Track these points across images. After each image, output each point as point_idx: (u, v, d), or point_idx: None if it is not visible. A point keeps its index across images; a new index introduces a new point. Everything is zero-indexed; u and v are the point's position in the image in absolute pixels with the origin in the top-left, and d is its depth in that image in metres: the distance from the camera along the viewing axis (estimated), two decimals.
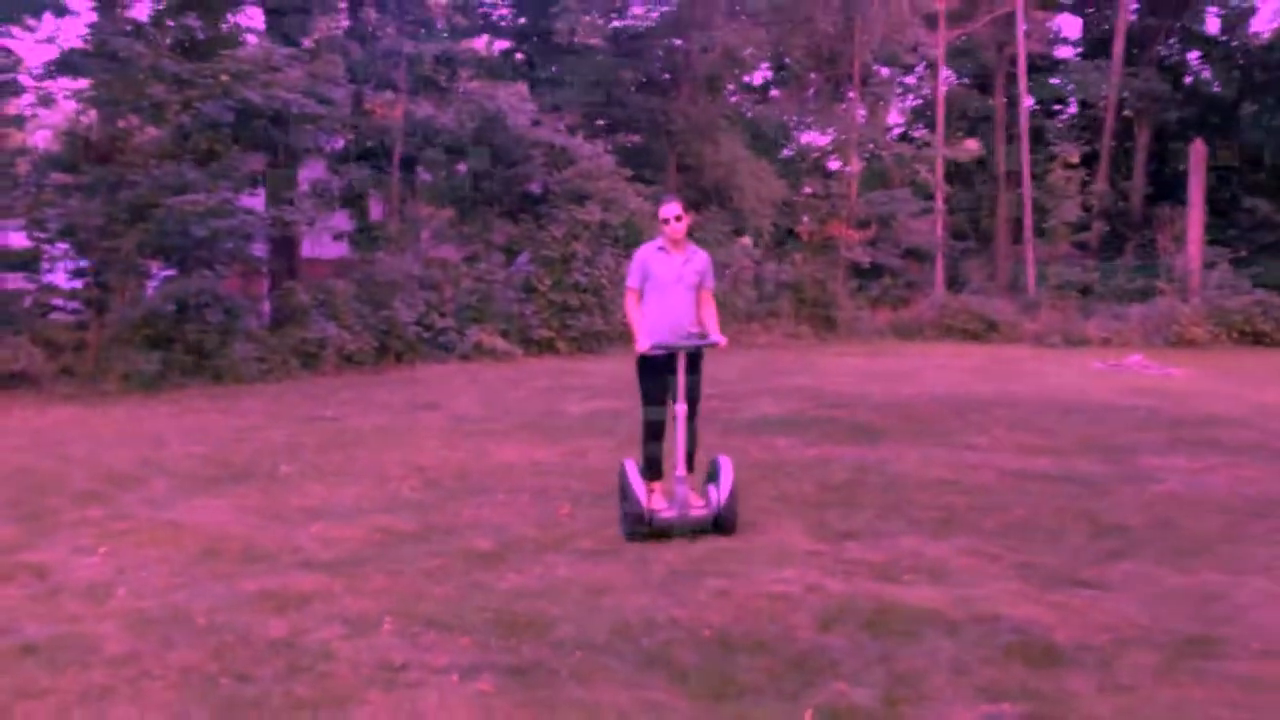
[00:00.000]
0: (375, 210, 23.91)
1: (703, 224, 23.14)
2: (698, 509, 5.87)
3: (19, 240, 16.62)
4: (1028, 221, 28.69)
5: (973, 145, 33.08)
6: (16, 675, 3.87)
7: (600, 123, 24.98)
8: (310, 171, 21.18)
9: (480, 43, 27.04)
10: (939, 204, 30.08)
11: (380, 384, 14.48)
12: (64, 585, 5.01)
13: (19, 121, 18.35)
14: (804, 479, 7.63)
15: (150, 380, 13.22)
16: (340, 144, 21.60)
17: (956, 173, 33.19)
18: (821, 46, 29.43)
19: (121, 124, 16.16)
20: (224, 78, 14.86)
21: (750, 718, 3.51)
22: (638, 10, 26.72)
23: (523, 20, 26.89)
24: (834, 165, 33.98)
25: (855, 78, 29.59)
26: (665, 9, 26.19)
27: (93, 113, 16.50)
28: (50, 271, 17.35)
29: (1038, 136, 30.35)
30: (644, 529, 5.75)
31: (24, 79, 17.77)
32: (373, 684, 3.78)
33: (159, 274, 15.80)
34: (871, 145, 31.67)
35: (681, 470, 5.83)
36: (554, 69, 26.23)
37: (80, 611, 4.61)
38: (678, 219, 6.12)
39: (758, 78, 35.02)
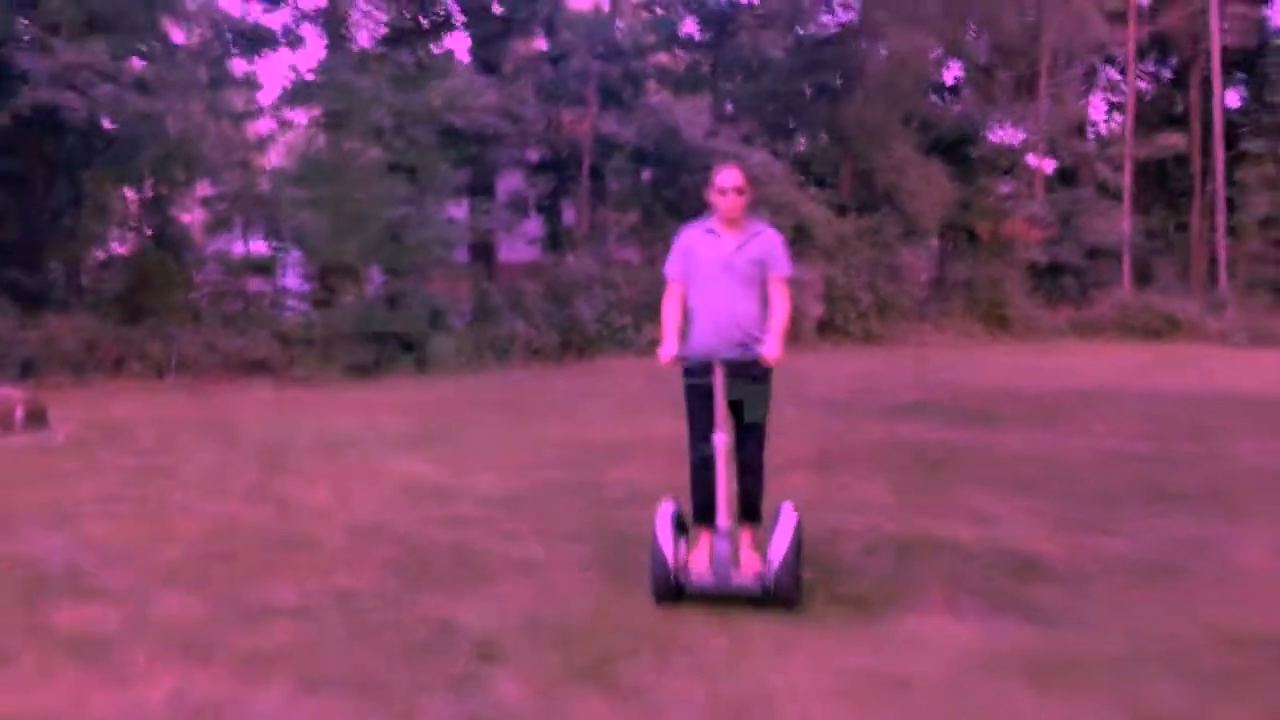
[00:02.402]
0: (568, 216, 25.88)
1: (875, 226, 23.88)
2: (743, 575, 4.49)
3: (259, 248, 19.22)
4: (1219, 219, 27.98)
5: (1173, 140, 32.23)
6: (267, 558, 5.46)
7: (778, 129, 26.07)
8: (507, 183, 23.24)
9: (668, 57, 28.58)
10: (1126, 202, 29.62)
11: (561, 374, 16.14)
12: (300, 509, 6.66)
13: (262, 145, 21.13)
14: (907, 453, 8.65)
15: (366, 368, 15.31)
16: (535, 156, 23.60)
17: (1149, 169, 32.44)
18: (1006, 46, 29.52)
19: (347, 145, 18.50)
20: (434, 104, 16.92)
21: None
22: (823, 18, 27.68)
23: (707, 35, 28.27)
24: (1027, 162, 33.85)
25: (1042, 75, 29.52)
26: (846, 19, 27.04)
27: (321, 136, 18.94)
28: (284, 275, 19.94)
29: (1233, 131, 29.45)
30: (670, 592, 4.51)
31: (263, 105, 20.50)
32: (516, 571, 5.18)
33: (375, 277, 18.02)
34: (1058, 143, 31.40)
35: (724, 521, 4.53)
36: (736, 79, 27.49)
37: (311, 524, 6.22)
38: (738, 192, 4.62)
39: (948, 77, 35.22)
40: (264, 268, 19.26)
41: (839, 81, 25.31)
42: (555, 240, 23.86)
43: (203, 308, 19.51)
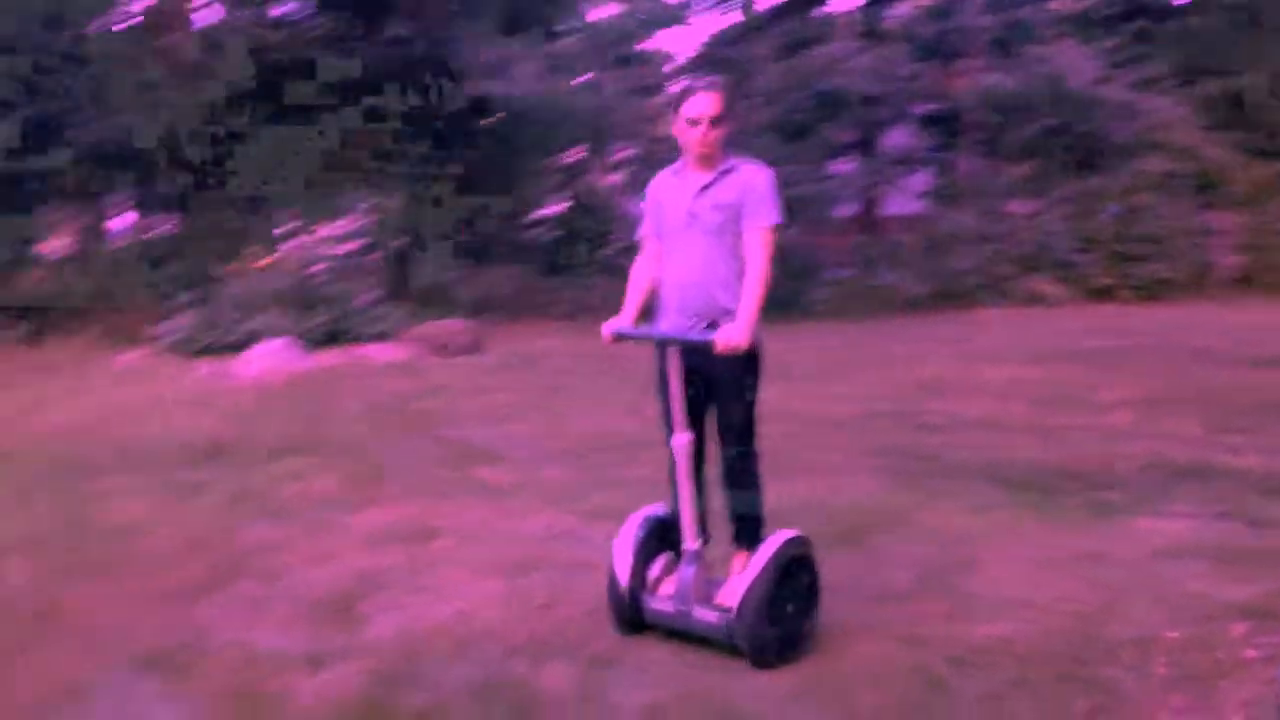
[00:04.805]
0: (958, 169, 25.95)
1: None
2: (709, 609, 3.66)
3: None
4: None
5: None
6: (626, 452, 6.97)
7: (1186, 71, 24.41)
8: (894, 138, 23.82)
9: (1062, 2, 27.50)
10: None
11: (932, 324, 16.72)
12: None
13: (663, 113, 23.28)
14: (1248, 396, 8.64)
15: None
16: (923, 111, 23.94)
17: None
18: None
19: (737, 110, 20.10)
20: (814, 69, 18.04)
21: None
22: None
23: None
24: None
25: None
26: None
27: None
28: None
29: None
30: (625, 620, 3.83)
31: (665, 75, 22.57)
32: (812, 470, 6.33)
33: None
34: None
35: (690, 542, 3.74)
36: (1142, 20, 25.97)
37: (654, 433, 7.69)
38: (712, 122, 3.61)
39: None
40: None
41: (1262, 16, 23.19)
42: (943, 193, 24.11)
43: (614, 260, 22.06)
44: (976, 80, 21.25)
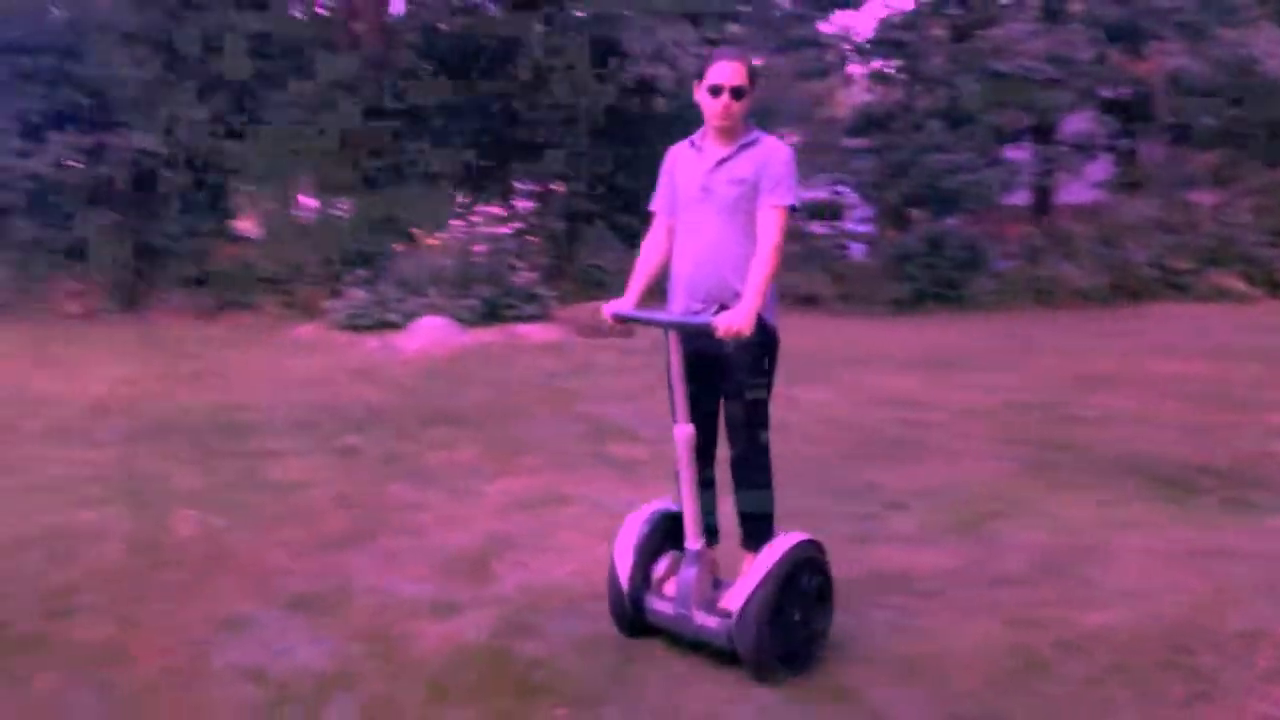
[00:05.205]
0: (1142, 156, 24.76)
1: None
2: (710, 613, 3.45)
3: (814, 194, 21.19)
4: None
5: None
6: None
7: None
8: (1073, 124, 22.95)
9: None
10: None
11: (1101, 318, 16.07)
12: (799, 403, 8.16)
13: (830, 97, 23.07)
14: None
15: (904, 303, 16.58)
16: (1105, 96, 22.95)
17: None
18: None
19: (901, 96, 19.76)
20: (983, 52, 17.56)
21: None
22: None
23: None
24: None
25: None
26: None
27: (880, 88, 20.36)
28: (853, 218, 21.78)
29: None
30: (626, 622, 3.67)
31: (832, 60, 22.29)
32: (940, 457, 6.31)
33: (918, 219, 19.16)
34: None
35: (694, 543, 3.51)
36: None
37: (798, 415, 7.74)
38: (735, 93, 3.41)
39: None
40: (823, 212, 21.20)
41: None
42: (1122, 182, 23.10)
43: None
44: (1164, 64, 20.24)
